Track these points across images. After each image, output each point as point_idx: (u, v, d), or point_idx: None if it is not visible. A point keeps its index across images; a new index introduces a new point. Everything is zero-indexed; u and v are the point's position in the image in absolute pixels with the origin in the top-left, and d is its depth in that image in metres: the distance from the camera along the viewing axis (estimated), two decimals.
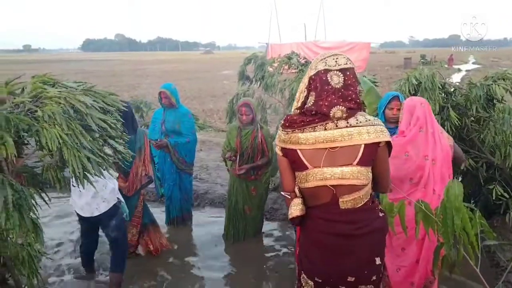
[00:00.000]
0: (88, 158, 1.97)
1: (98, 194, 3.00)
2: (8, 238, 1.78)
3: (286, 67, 5.13)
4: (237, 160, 3.94)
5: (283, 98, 5.13)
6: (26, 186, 1.89)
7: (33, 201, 1.88)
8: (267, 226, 4.55)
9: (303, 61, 5.07)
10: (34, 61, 46.01)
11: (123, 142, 2.32)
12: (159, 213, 4.68)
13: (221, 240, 4.22)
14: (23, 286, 2.12)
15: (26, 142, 2.15)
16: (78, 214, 3.20)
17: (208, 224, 4.69)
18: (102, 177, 2.81)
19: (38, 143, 1.97)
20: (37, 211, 1.87)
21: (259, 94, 5.23)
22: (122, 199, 3.23)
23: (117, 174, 3.21)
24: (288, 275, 3.54)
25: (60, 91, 2.04)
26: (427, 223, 1.77)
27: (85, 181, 2.35)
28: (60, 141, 1.88)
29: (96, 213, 3.08)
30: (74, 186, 2.95)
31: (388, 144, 1.81)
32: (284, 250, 4.05)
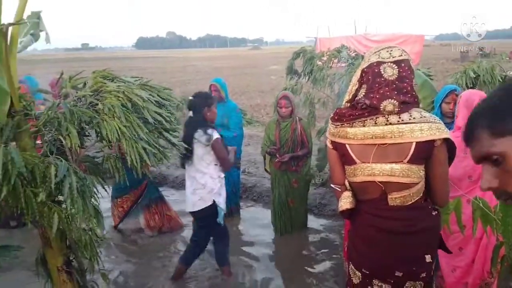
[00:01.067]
0: (145, 149, 2.07)
1: (196, 191, 3.15)
2: (73, 223, 1.91)
3: (336, 60, 5.06)
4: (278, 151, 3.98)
5: (332, 93, 5.06)
6: (88, 174, 2.02)
7: (94, 189, 2.01)
8: (315, 221, 4.53)
9: (353, 55, 4.98)
10: (92, 58, 48.42)
11: (177, 135, 2.42)
12: None
13: (268, 233, 4.26)
14: (85, 268, 2.27)
15: (87, 133, 2.30)
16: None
17: (255, 217, 4.75)
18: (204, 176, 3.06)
19: (99, 135, 2.09)
20: (98, 198, 2.00)
21: (307, 88, 5.19)
22: (221, 204, 3.22)
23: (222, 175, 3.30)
24: (333, 268, 3.52)
25: (118, 86, 2.16)
26: (485, 221, 1.69)
27: (191, 176, 2.88)
28: (119, 132, 1.99)
29: (190, 209, 3.22)
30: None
31: (449, 143, 1.72)
32: (330, 244, 4.02)
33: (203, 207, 3.17)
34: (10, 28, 1.81)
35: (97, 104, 2.07)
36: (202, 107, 3.19)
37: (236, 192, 4.72)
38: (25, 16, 2.04)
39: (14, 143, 1.99)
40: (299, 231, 4.20)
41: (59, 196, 1.94)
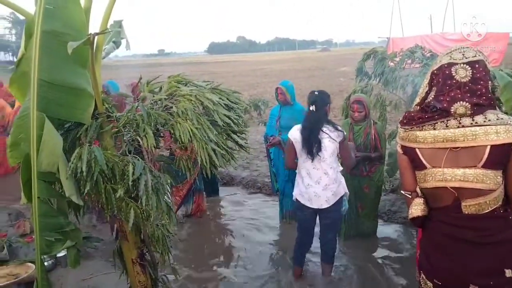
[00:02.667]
0: (214, 150, 2.15)
1: (329, 187, 3.16)
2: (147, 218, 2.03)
3: (409, 61, 4.83)
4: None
5: (405, 95, 4.84)
6: (161, 173, 2.14)
7: (167, 187, 2.13)
8: (384, 228, 4.37)
9: (428, 55, 4.72)
10: (167, 64, 51.05)
11: (244, 137, 2.47)
12: (275, 207, 4.86)
13: None
14: (157, 261, 2.41)
15: (161, 135, 2.43)
16: (299, 207, 3.33)
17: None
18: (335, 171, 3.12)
19: (172, 136, 2.21)
20: (170, 196, 2.10)
21: (378, 90, 5.02)
22: (346, 196, 3.31)
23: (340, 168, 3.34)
24: (403, 277, 3.37)
25: (191, 90, 2.26)
26: None
27: (321, 172, 3.06)
28: (191, 134, 2.08)
29: (324, 206, 3.19)
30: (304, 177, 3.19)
31: None
32: (399, 252, 3.86)
33: (335, 201, 3.19)
34: (96, 37, 1.98)
35: (171, 107, 2.19)
36: (325, 104, 3.20)
37: None
38: (108, 25, 2.21)
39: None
40: (367, 238, 4.08)
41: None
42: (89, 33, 1.92)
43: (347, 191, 3.31)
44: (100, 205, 2.13)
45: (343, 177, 3.31)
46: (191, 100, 2.18)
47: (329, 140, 3.09)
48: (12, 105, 6.81)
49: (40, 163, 1.89)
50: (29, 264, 3.53)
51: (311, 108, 3.17)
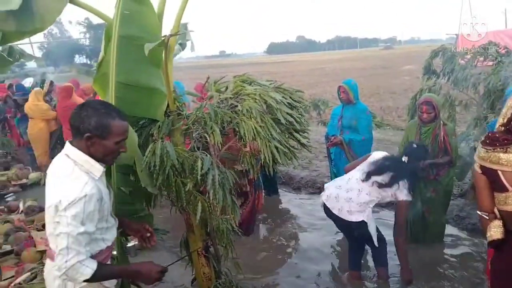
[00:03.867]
0: (277, 148, 2.20)
1: (351, 203, 3.12)
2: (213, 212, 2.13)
3: (481, 58, 4.56)
4: None
5: (476, 94, 4.58)
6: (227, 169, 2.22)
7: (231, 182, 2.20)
8: (452, 234, 4.16)
9: (503, 51, 4.43)
10: (228, 64, 52.22)
11: (306, 136, 2.49)
12: None
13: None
14: (220, 254, 2.50)
15: (226, 133, 2.52)
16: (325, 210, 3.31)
17: (381, 223, 4.57)
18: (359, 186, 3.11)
19: (237, 133, 2.29)
20: (234, 191, 2.18)
21: (447, 89, 4.79)
22: (370, 221, 3.12)
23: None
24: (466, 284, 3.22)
25: (255, 89, 2.32)
26: None
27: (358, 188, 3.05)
28: (255, 132, 2.15)
29: (336, 212, 3.17)
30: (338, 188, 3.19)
31: None
32: (468, 261, 3.66)
33: (352, 219, 3.14)
34: (169, 38, 2.10)
35: (236, 106, 2.27)
36: (418, 159, 3.29)
37: None
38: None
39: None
40: (433, 243, 3.90)
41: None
42: (163, 35, 2.05)
43: (373, 224, 3.14)
44: (169, 198, 2.27)
45: (371, 214, 3.15)
46: (256, 98, 2.25)
47: (393, 192, 3.08)
48: None
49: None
50: None
51: (403, 159, 3.22)
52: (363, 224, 3.08)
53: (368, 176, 3.11)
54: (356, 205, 3.10)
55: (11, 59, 4.10)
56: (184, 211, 2.28)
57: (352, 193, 3.13)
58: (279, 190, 5.77)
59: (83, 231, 1.56)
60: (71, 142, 1.68)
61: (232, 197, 2.13)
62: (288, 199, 5.61)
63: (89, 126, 1.61)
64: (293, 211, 5.20)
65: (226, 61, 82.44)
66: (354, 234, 3.20)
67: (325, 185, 3.40)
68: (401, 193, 3.07)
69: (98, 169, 1.66)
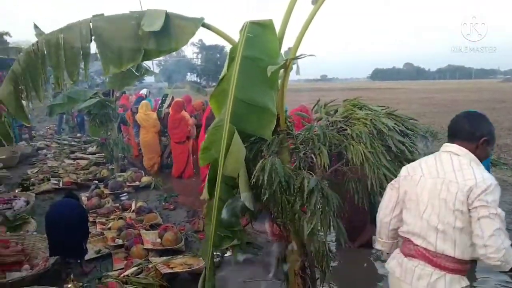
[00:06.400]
0: (385, 176, 2.13)
1: None
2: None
3: None
4: None
5: None
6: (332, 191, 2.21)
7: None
8: None
9: None
10: (328, 89, 51.86)
11: None
12: None
13: None
14: (316, 277, 2.47)
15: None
16: None
17: None
18: None
19: (344, 157, 2.27)
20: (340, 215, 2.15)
21: None
22: None
23: None
24: None
25: (366, 113, 2.30)
26: None
27: None
28: (364, 157, 2.11)
29: None
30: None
31: None
32: None
33: None
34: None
35: (345, 129, 2.26)
36: None
37: None
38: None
39: None
40: None
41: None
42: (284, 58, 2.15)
43: None
44: (271, 215, 2.32)
45: None
46: (366, 123, 2.22)
47: None
48: (196, 118, 7.93)
49: (226, 168, 2.15)
50: (201, 258, 4.00)
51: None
52: None
53: None
54: None
55: (137, 74, 4.65)
56: (285, 228, 2.31)
57: None
58: None
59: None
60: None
61: (337, 221, 2.10)
62: None
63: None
64: None
65: (326, 85, 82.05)
66: None
67: None
68: None
69: None
